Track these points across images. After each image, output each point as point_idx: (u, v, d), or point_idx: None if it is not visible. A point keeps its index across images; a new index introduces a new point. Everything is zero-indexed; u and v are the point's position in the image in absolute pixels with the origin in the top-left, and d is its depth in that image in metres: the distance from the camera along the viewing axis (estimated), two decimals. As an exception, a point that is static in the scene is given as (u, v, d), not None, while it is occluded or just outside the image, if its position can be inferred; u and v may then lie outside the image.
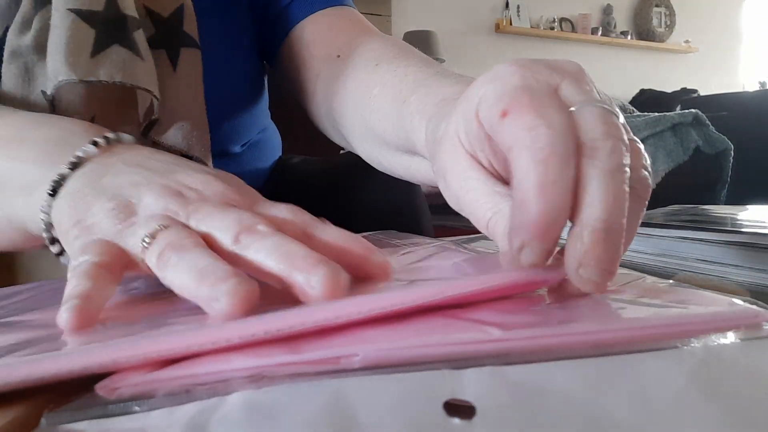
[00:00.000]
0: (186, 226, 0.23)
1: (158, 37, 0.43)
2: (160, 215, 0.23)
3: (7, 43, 0.38)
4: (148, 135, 0.43)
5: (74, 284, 0.21)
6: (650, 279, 0.26)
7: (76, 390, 0.15)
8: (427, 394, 0.13)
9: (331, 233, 0.23)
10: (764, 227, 0.34)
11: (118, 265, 0.23)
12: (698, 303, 0.20)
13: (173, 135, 0.44)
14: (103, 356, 0.16)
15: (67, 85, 0.37)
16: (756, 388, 0.14)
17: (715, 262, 0.33)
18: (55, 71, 0.37)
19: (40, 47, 0.38)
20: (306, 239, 0.22)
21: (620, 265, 0.24)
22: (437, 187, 0.26)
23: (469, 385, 0.14)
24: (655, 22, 4.26)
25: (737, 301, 0.20)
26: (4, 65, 0.38)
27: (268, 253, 0.20)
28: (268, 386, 0.14)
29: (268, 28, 0.55)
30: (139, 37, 0.40)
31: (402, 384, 0.14)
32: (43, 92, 0.38)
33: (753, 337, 0.17)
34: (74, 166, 0.27)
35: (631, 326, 0.17)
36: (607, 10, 4.15)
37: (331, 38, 0.50)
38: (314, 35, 0.51)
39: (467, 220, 0.26)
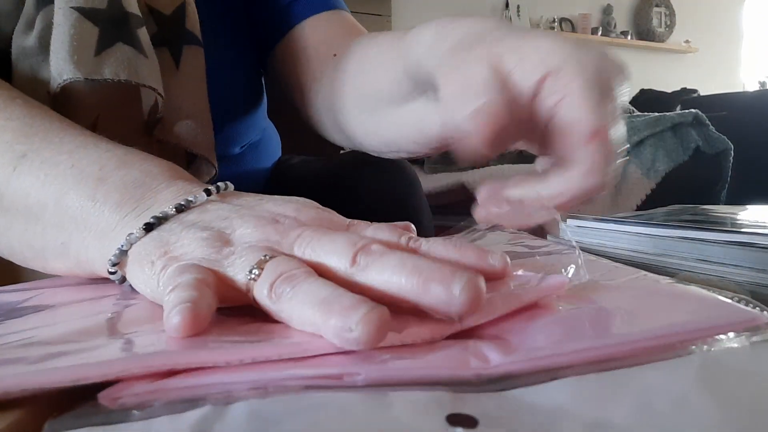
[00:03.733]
0: (291, 256, 0.22)
1: (160, 35, 0.43)
2: (261, 246, 0.23)
3: (13, 45, 0.38)
4: (152, 133, 0.43)
5: (177, 294, 0.20)
6: (651, 276, 0.26)
7: (78, 396, 0.15)
8: (429, 408, 0.13)
9: (438, 248, 0.22)
10: (764, 227, 0.34)
11: (217, 287, 0.21)
12: (697, 304, 0.20)
13: (177, 132, 0.43)
14: (111, 368, 0.16)
15: (71, 84, 0.37)
16: (756, 391, 0.14)
17: (715, 262, 0.33)
18: (59, 70, 0.36)
19: (44, 47, 0.37)
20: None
21: (621, 263, 0.24)
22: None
23: (470, 403, 0.14)
24: (655, 22, 4.26)
25: (735, 303, 0.20)
26: (13, 68, 0.38)
27: (393, 270, 0.19)
28: (272, 396, 0.14)
29: (264, 27, 0.55)
30: (143, 35, 0.40)
31: (405, 399, 0.14)
32: (48, 93, 0.38)
33: (751, 340, 0.17)
34: (182, 208, 0.26)
35: (631, 339, 0.17)
36: (607, 10, 4.15)
37: (328, 40, 0.51)
38: (313, 37, 0.52)
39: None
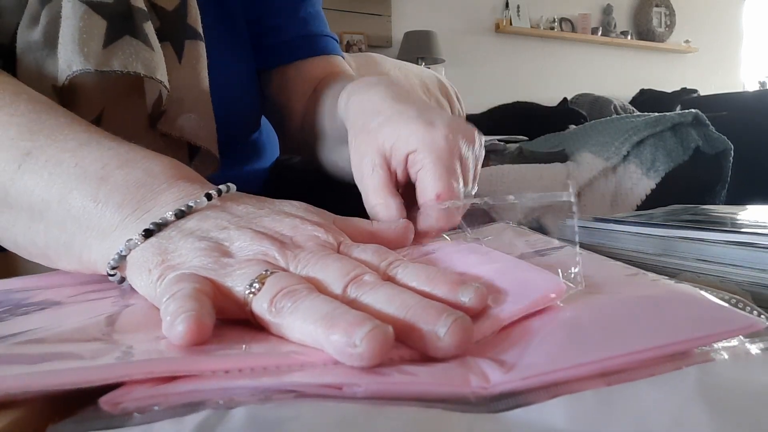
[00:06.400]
0: (290, 272, 0.22)
1: (163, 29, 0.43)
2: (259, 260, 0.23)
3: (18, 40, 0.38)
4: (155, 126, 0.43)
5: (177, 303, 0.20)
6: (651, 275, 0.26)
7: (79, 401, 0.15)
8: (427, 427, 0.13)
9: (412, 276, 0.23)
10: (764, 227, 0.34)
11: (215, 297, 0.22)
12: (695, 310, 0.20)
13: (180, 125, 0.44)
14: (114, 372, 0.16)
15: (77, 78, 0.37)
16: (755, 405, 0.14)
17: (715, 262, 0.33)
18: (68, 62, 0.37)
19: (50, 41, 0.37)
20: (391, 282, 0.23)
21: (623, 262, 0.24)
22: None
23: (466, 426, 0.14)
24: (655, 22, 4.26)
25: (732, 308, 0.20)
26: (18, 63, 0.38)
27: (384, 304, 0.20)
28: (272, 402, 0.14)
29: (266, 51, 0.58)
30: (148, 28, 0.40)
31: (405, 414, 0.14)
32: (54, 86, 0.38)
33: (749, 348, 0.17)
34: (181, 214, 0.26)
35: (629, 351, 0.17)
36: (607, 10, 4.15)
37: (317, 81, 0.56)
38: (307, 75, 0.58)
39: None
